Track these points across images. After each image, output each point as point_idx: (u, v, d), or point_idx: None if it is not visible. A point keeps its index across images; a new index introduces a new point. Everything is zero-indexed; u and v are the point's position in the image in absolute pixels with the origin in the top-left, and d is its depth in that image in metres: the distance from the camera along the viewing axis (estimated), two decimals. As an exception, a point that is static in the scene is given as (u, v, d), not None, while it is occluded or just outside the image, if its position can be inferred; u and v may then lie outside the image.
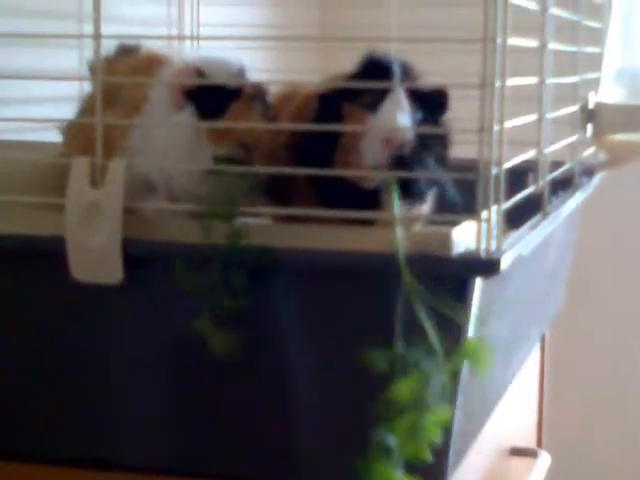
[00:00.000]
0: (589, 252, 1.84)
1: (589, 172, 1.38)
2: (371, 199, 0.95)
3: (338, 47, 1.72)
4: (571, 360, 2.29)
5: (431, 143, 0.96)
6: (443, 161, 0.98)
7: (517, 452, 1.38)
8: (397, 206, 0.88)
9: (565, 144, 1.23)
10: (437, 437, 0.84)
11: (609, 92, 1.41)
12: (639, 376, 2.34)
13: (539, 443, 1.58)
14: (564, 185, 1.26)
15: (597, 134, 1.37)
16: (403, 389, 0.83)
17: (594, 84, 1.40)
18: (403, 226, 0.86)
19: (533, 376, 1.53)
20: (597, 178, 1.40)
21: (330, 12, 2.02)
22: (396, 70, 0.95)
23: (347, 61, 1.02)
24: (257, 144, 0.95)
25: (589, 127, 1.37)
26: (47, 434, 1.02)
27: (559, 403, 2.11)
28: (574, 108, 1.31)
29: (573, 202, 1.23)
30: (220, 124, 0.95)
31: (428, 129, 0.96)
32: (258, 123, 0.96)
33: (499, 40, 0.87)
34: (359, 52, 1.00)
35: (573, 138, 1.29)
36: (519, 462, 1.38)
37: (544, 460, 1.38)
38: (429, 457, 0.84)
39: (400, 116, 0.94)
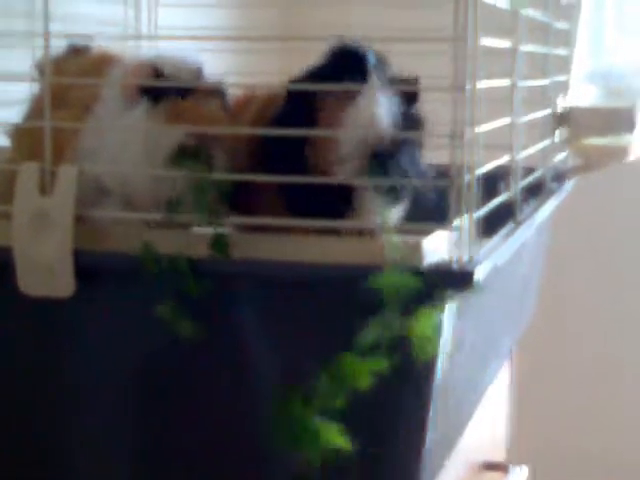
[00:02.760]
0: (558, 259, 1.80)
1: (560, 177, 1.35)
2: (343, 202, 0.90)
3: (299, 49, 1.68)
4: (540, 370, 2.26)
5: (407, 137, 0.91)
6: (419, 155, 0.93)
7: (490, 467, 1.34)
8: (384, 212, 0.84)
9: (537, 149, 1.19)
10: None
11: (581, 95, 1.37)
12: (611, 384, 2.31)
13: (510, 456, 1.54)
14: (534, 191, 1.22)
15: (570, 138, 1.34)
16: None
17: (563, 87, 1.37)
18: (376, 235, 0.82)
19: (502, 387, 1.49)
20: (569, 184, 1.37)
21: (290, 14, 1.98)
22: (371, 59, 0.90)
23: (307, 63, 0.98)
24: (217, 139, 0.90)
25: (559, 131, 1.34)
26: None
27: (529, 414, 2.07)
28: (546, 112, 1.27)
29: (546, 209, 1.20)
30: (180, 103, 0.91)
31: (407, 124, 0.91)
32: (219, 115, 0.91)
33: (470, 40, 0.82)
34: (320, 53, 0.95)
35: (545, 143, 1.25)
36: (492, 477, 1.35)
37: (517, 474, 1.34)
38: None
39: (378, 108, 0.89)
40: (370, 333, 0.81)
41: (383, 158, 0.89)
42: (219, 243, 0.85)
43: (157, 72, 0.93)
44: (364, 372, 0.81)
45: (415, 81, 0.93)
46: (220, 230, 0.86)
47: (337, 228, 0.89)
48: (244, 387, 0.90)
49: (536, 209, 1.16)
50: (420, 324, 0.82)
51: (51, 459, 0.96)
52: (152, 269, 0.85)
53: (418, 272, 0.82)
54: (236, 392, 0.90)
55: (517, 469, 1.37)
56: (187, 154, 0.89)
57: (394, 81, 0.92)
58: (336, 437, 0.82)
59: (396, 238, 0.87)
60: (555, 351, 2.29)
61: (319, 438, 0.81)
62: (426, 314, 0.82)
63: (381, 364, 0.80)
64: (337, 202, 0.90)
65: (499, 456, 1.49)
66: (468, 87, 0.82)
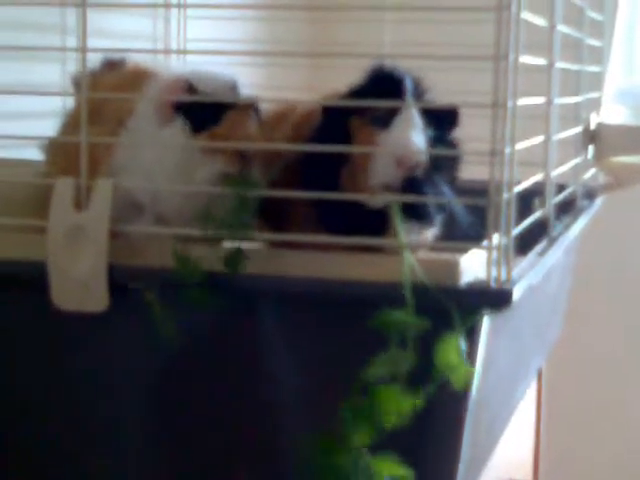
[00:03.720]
0: (585, 276, 1.79)
1: (590, 195, 1.34)
2: (378, 222, 0.89)
3: (328, 64, 1.67)
4: (566, 388, 2.24)
5: (442, 163, 0.90)
6: (453, 181, 0.92)
7: (515, 485, 1.33)
8: (402, 232, 0.83)
9: (570, 166, 1.19)
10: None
11: (611, 113, 1.37)
12: (638, 402, 2.29)
13: (535, 474, 1.53)
14: (565, 208, 1.22)
15: (599, 156, 1.33)
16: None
17: (595, 105, 1.36)
18: (409, 253, 0.81)
19: (529, 405, 1.48)
20: (599, 201, 1.36)
21: (320, 29, 1.97)
22: (407, 84, 0.89)
23: (336, 79, 0.97)
24: (256, 154, 0.90)
25: (590, 148, 1.33)
26: (26, 467, 0.96)
27: (555, 432, 2.05)
28: (578, 129, 1.26)
29: (577, 226, 1.19)
30: (216, 133, 0.90)
31: (443, 150, 0.90)
32: (256, 133, 0.90)
33: (511, 57, 0.82)
34: (350, 69, 0.95)
35: (577, 160, 1.24)
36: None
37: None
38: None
39: (414, 135, 0.88)
40: (377, 368, 0.80)
41: (416, 184, 0.89)
42: (232, 259, 0.85)
43: (192, 88, 0.92)
44: (397, 409, 0.80)
45: (454, 109, 0.92)
46: (236, 246, 0.85)
47: (370, 247, 0.88)
48: (261, 398, 0.89)
49: (568, 226, 1.15)
50: (444, 353, 0.80)
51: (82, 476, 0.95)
52: (188, 281, 0.85)
53: (456, 291, 0.82)
54: (254, 403, 0.90)
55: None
56: (230, 181, 0.89)
57: (432, 107, 0.91)
58: (394, 468, 0.81)
59: (433, 256, 0.86)
60: (581, 369, 2.27)
61: (375, 475, 0.80)
62: (448, 342, 0.80)
63: (413, 401, 0.79)
64: (370, 225, 0.89)
65: (524, 474, 1.47)
66: (510, 104, 0.81)
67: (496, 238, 0.83)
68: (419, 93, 0.92)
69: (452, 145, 0.94)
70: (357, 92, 0.92)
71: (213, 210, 0.87)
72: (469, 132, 0.92)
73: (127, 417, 0.93)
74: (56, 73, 1.21)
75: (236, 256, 0.84)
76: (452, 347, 0.80)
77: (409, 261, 0.81)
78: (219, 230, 0.86)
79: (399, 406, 0.79)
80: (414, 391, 0.79)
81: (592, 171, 1.35)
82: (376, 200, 0.88)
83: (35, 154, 1.06)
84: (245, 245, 0.86)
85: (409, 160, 0.88)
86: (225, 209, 0.86)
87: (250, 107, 0.93)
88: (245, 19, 1.76)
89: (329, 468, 0.80)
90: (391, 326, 0.80)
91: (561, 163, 1.13)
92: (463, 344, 0.81)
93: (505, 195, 0.83)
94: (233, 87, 0.95)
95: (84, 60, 0.89)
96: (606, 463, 2.28)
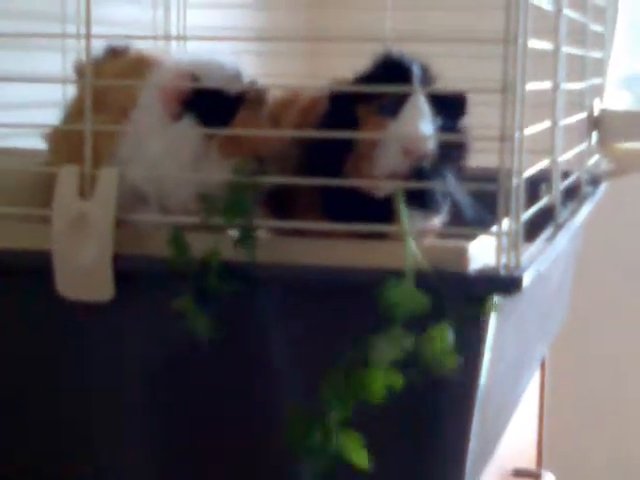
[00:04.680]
0: (588, 263, 1.78)
1: (594, 181, 1.33)
2: (383, 210, 0.88)
3: (329, 51, 1.66)
4: (570, 378, 2.23)
5: (450, 152, 0.89)
6: (460, 171, 0.91)
7: (520, 473, 1.32)
8: (406, 218, 0.82)
9: (575, 152, 1.18)
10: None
11: (615, 99, 1.36)
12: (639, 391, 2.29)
13: (539, 463, 1.53)
14: (569, 194, 1.21)
15: (602, 142, 1.32)
16: None
17: (599, 91, 1.35)
18: (415, 240, 0.80)
19: (532, 394, 1.48)
20: (603, 187, 1.35)
21: (321, 17, 1.96)
22: (416, 71, 0.88)
23: (337, 67, 0.96)
24: (270, 156, 0.89)
25: (594, 135, 1.32)
26: (29, 458, 0.96)
27: (558, 421, 2.05)
28: (582, 115, 1.25)
29: (583, 212, 1.18)
30: (231, 132, 0.88)
31: (451, 137, 0.89)
32: (271, 132, 0.89)
33: (520, 42, 0.81)
34: (350, 57, 0.94)
35: (582, 146, 1.23)
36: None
37: (548, 481, 1.33)
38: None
39: (422, 123, 0.87)
40: (382, 348, 0.80)
41: (423, 173, 0.88)
42: (246, 240, 0.84)
43: (195, 79, 0.91)
44: (379, 386, 0.79)
45: (462, 96, 0.91)
46: (248, 229, 0.84)
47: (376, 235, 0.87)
48: (268, 388, 0.89)
49: (574, 213, 1.14)
50: (436, 340, 0.80)
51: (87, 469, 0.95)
52: (180, 269, 0.84)
53: (465, 277, 0.81)
54: (261, 395, 0.89)
55: (548, 475, 1.35)
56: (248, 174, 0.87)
57: (440, 94, 0.90)
58: (354, 451, 0.80)
59: (441, 242, 0.86)
60: (585, 358, 2.26)
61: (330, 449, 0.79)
62: (440, 329, 0.80)
63: (397, 379, 0.79)
64: (377, 214, 0.89)
65: (528, 463, 1.47)
66: (518, 89, 0.81)
67: (506, 224, 0.83)
68: (427, 80, 0.91)
69: (460, 134, 0.93)
70: (364, 79, 0.91)
71: (219, 202, 0.86)
72: (478, 121, 0.92)
73: (133, 406, 0.92)
74: (57, 62, 1.20)
75: (249, 238, 0.83)
76: (443, 334, 0.80)
77: (410, 247, 0.80)
78: (223, 218, 0.86)
79: (384, 383, 0.79)
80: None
81: (596, 157, 1.35)
82: (383, 188, 0.88)
83: (38, 144, 1.05)
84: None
85: (417, 149, 0.87)
86: (230, 198, 0.85)
87: (260, 101, 0.92)
88: (245, 7, 1.75)
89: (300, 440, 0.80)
90: (396, 305, 0.79)
91: (565, 150, 1.13)
92: (467, 332, 0.80)
93: (515, 180, 0.82)
94: (237, 76, 0.93)
95: (89, 47, 0.88)
96: (609, 452, 2.28)
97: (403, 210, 0.84)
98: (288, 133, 0.91)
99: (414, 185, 0.87)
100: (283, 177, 0.88)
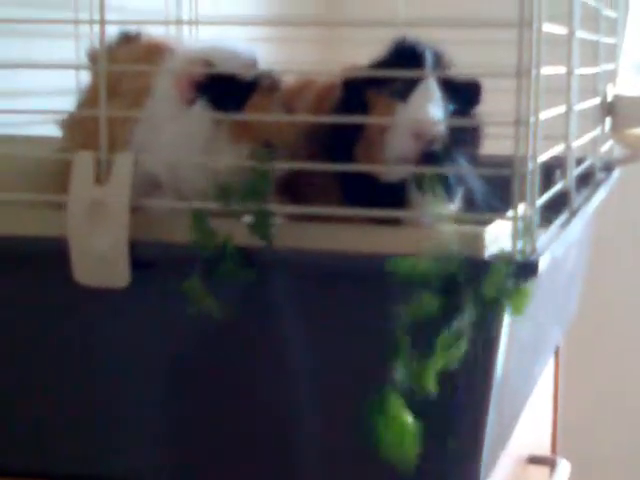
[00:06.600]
0: (602, 251, 1.78)
1: (608, 167, 1.33)
2: (396, 195, 0.88)
3: (344, 39, 1.66)
4: (584, 365, 2.23)
5: (462, 138, 0.89)
6: (474, 157, 0.91)
7: (535, 460, 1.32)
8: (438, 203, 0.82)
9: (588, 138, 1.18)
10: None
11: (628, 84, 1.35)
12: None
13: (554, 450, 1.53)
14: (583, 180, 1.21)
15: (615, 128, 1.32)
16: None
17: (612, 76, 1.35)
18: (435, 226, 0.80)
19: (547, 382, 1.48)
20: (616, 174, 1.35)
21: (334, 5, 1.96)
22: (428, 57, 0.88)
23: (353, 54, 0.96)
24: (282, 142, 0.89)
25: (607, 121, 1.32)
26: (45, 445, 0.96)
27: (573, 409, 2.05)
28: (596, 100, 1.25)
29: (597, 198, 1.18)
30: (242, 117, 0.88)
31: (461, 122, 0.89)
32: (279, 116, 0.89)
33: (535, 25, 0.81)
34: (366, 45, 0.94)
35: (595, 132, 1.23)
36: (537, 471, 1.33)
37: (563, 468, 1.33)
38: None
39: (432, 107, 0.87)
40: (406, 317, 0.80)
41: (434, 158, 0.88)
42: (261, 226, 0.84)
43: (210, 66, 0.91)
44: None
45: (477, 84, 0.91)
46: (263, 213, 0.84)
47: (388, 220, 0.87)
48: (280, 379, 0.89)
49: (588, 199, 1.14)
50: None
51: (103, 455, 0.95)
52: (207, 250, 0.84)
53: (481, 262, 0.81)
54: (274, 381, 0.90)
55: (564, 462, 1.35)
56: (261, 159, 0.87)
57: (454, 80, 0.90)
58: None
59: (457, 228, 0.86)
60: (599, 345, 2.26)
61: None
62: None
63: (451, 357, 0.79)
64: (388, 198, 0.89)
65: (543, 450, 1.47)
66: (534, 73, 0.80)
67: (521, 209, 0.82)
68: (441, 67, 0.91)
69: (472, 119, 0.93)
70: (378, 65, 0.91)
71: (233, 187, 0.86)
72: (492, 108, 0.91)
73: (147, 393, 0.92)
74: (70, 49, 1.20)
75: (264, 223, 0.83)
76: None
77: (446, 232, 0.80)
78: (239, 203, 0.85)
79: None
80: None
81: (609, 143, 1.34)
82: (393, 172, 0.88)
83: (52, 131, 1.05)
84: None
85: (426, 132, 0.87)
86: (244, 184, 0.85)
87: (272, 86, 0.92)
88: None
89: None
90: (415, 273, 0.79)
91: (579, 136, 1.13)
92: (484, 318, 0.80)
93: (530, 165, 0.82)
94: (252, 63, 0.93)
95: (102, 32, 0.88)
96: (624, 438, 2.28)
97: (436, 194, 0.85)
98: (297, 118, 0.91)
99: (425, 169, 0.87)
100: (295, 163, 0.88)
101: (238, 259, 0.83)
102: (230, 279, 0.83)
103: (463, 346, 0.80)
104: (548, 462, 1.35)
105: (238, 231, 0.85)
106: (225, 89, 0.89)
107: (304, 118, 0.91)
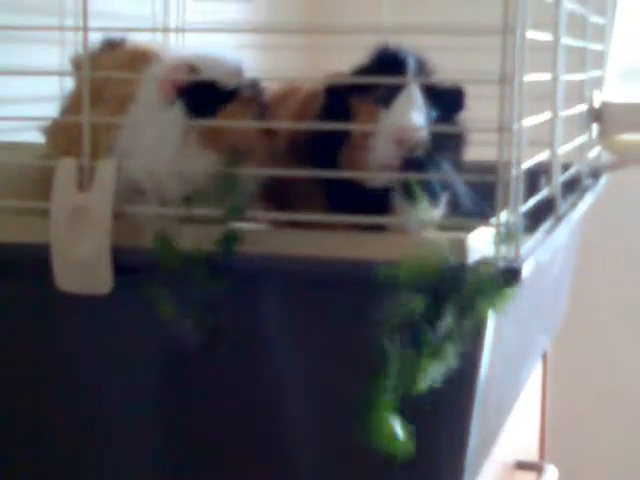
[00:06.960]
0: (589, 257, 1.78)
1: (595, 173, 1.33)
2: (381, 201, 0.88)
3: (329, 45, 1.66)
4: (572, 370, 2.23)
5: (446, 144, 0.89)
6: (457, 163, 0.91)
7: (522, 466, 1.32)
8: (423, 210, 0.82)
9: (575, 145, 1.18)
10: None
11: (616, 91, 1.36)
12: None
13: (541, 456, 1.53)
14: (570, 187, 1.21)
15: (603, 134, 1.32)
16: None
17: (599, 83, 1.35)
18: (420, 232, 0.80)
19: (535, 387, 1.48)
20: (603, 180, 1.35)
21: (320, 13, 1.96)
22: (411, 64, 0.88)
23: (335, 62, 0.96)
24: (250, 151, 0.89)
25: (595, 127, 1.32)
26: (30, 456, 0.96)
27: (560, 414, 2.05)
28: (583, 107, 1.25)
29: (583, 205, 1.18)
30: (208, 123, 0.88)
31: (444, 128, 0.89)
32: (253, 126, 0.89)
33: (518, 32, 0.81)
34: (348, 52, 0.94)
35: (582, 138, 1.23)
36: (524, 476, 1.33)
37: (551, 474, 1.33)
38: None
39: (414, 114, 0.87)
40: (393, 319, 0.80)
41: (417, 164, 0.88)
42: (226, 240, 0.84)
43: (194, 72, 0.91)
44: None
45: (460, 90, 0.91)
46: (230, 228, 0.84)
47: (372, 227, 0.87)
48: (266, 384, 0.89)
49: (574, 205, 1.14)
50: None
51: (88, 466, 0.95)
52: (170, 264, 0.84)
53: (464, 268, 0.81)
54: (259, 389, 0.89)
55: (551, 468, 1.35)
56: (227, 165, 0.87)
57: (436, 86, 0.90)
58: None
59: (440, 234, 0.85)
60: (587, 350, 2.26)
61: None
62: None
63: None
64: (372, 205, 0.89)
65: (530, 455, 1.47)
66: (517, 80, 0.80)
67: (504, 215, 0.82)
68: (424, 73, 0.91)
69: (455, 125, 0.93)
70: (360, 72, 0.91)
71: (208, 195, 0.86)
72: (477, 114, 0.91)
73: (131, 400, 0.92)
74: (55, 56, 1.19)
75: (230, 237, 0.83)
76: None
77: (430, 238, 0.80)
78: (215, 211, 0.85)
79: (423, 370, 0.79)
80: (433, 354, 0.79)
81: (596, 150, 1.34)
82: (377, 178, 0.88)
83: (36, 137, 1.05)
84: (246, 225, 0.85)
85: (408, 139, 0.87)
86: (217, 192, 0.85)
87: (253, 96, 0.91)
88: (243, 2, 1.75)
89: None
90: (399, 279, 0.79)
91: (566, 142, 1.13)
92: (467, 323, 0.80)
93: (513, 172, 0.82)
94: (238, 71, 0.93)
95: (85, 39, 0.88)
96: (612, 444, 2.28)
97: (420, 201, 0.85)
98: (266, 125, 0.91)
99: (408, 176, 0.87)
100: (278, 170, 0.88)
101: (206, 270, 0.83)
102: (198, 289, 0.83)
103: (450, 350, 0.80)
104: (535, 468, 1.35)
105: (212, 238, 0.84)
106: (204, 96, 0.89)
107: (269, 125, 0.91)
